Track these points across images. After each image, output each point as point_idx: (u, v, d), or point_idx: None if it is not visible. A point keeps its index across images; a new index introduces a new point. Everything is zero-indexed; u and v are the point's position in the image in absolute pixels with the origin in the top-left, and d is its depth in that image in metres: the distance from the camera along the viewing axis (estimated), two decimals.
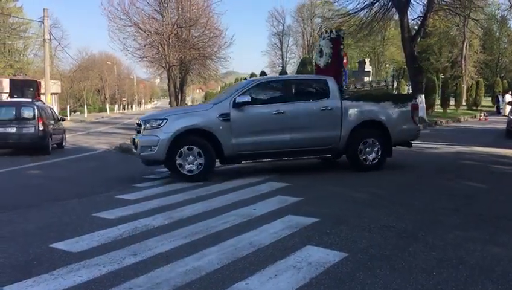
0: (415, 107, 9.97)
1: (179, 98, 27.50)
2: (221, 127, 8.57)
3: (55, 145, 16.73)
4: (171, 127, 8.43)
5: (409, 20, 24.47)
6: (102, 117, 48.67)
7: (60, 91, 49.23)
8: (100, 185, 8.79)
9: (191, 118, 8.71)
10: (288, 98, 9.15)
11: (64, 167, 12.20)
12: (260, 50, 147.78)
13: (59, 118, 18.72)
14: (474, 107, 36.26)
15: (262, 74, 26.26)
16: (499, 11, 54.95)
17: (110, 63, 71.00)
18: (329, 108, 9.16)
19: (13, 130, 14.64)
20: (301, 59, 29.47)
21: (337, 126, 9.20)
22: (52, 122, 16.54)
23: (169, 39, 23.94)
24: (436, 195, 7.27)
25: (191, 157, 8.48)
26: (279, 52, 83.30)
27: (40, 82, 22.69)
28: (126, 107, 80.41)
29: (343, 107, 9.22)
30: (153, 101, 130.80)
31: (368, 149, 9.35)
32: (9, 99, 18.17)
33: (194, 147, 8.46)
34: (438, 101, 32.97)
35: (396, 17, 24.51)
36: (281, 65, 79.55)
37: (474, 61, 56.90)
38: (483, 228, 5.36)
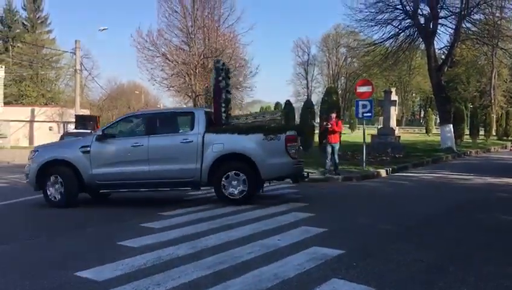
0: (290, 139, 9.12)
1: None
2: (82, 158, 9.28)
3: None
4: (40, 157, 9.58)
5: (436, 50, 24.35)
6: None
7: None
8: (125, 213, 8.85)
9: (58, 150, 9.87)
10: (152, 130, 9.47)
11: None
12: (285, 79, 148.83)
13: None
14: (505, 137, 35.41)
15: (288, 103, 26.32)
16: None
17: (137, 92, 72.53)
18: (189, 140, 9.16)
19: None
20: (326, 88, 29.49)
21: (196, 159, 9.10)
22: None
23: (195, 69, 24.42)
24: (467, 229, 7.04)
25: (57, 185, 9.35)
26: (304, 82, 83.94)
27: (99, 117, 29.62)
28: None
29: (205, 140, 9.11)
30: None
31: (233, 182, 9.01)
32: (75, 130, 22.46)
33: (58, 176, 9.30)
34: (467, 131, 32.37)
35: (423, 46, 24.43)
36: (305, 94, 79.94)
37: (504, 91, 55.98)
38: None
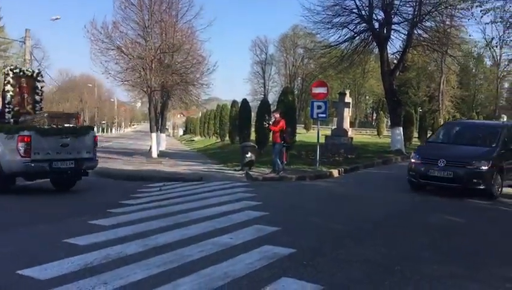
0: (22, 139, 9.71)
1: (160, 122, 27.34)
2: None
3: None
4: None
5: (389, 55, 25.01)
6: None
7: None
8: (74, 210, 8.57)
9: None
10: None
11: (37, 191, 11.89)
12: (243, 78, 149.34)
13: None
14: None
15: (244, 101, 26.34)
16: (476, 48, 56.90)
17: (90, 85, 70.57)
18: None
19: None
20: (283, 88, 29.71)
21: None
22: None
23: (151, 64, 23.89)
24: (414, 229, 7.29)
25: None
26: (261, 81, 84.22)
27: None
28: (105, 130, 79.62)
29: None
30: (133, 125, 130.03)
31: None
32: None
33: None
34: (416, 134, 33.55)
35: (377, 50, 25.01)
36: (263, 93, 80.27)
37: (451, 96, 58.34)
38: (462, 262, 5.37)
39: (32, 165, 9.78)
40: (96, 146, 11.29)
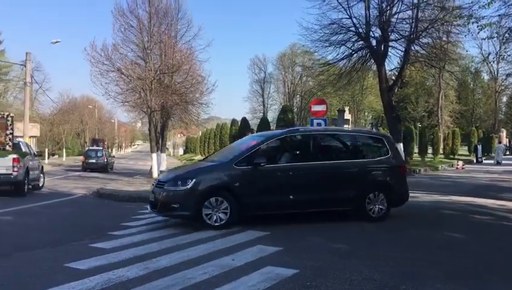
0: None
1: (160, 142, 27.37)
2: None
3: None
4: None
5: (387, 71, 25.20)
6: (81, 161, 47.94)
7: (38, 134, 48.61)
8: (74, 233, 8.52)
9: None
10: None
11: (38, 213, 11.85)
12: (242, 96, 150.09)
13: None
14: (452, 156, 36.94)
15: (244, 120, 26.40)
16: (473, 63, 57.38)
17: (91, 106, 70.82)
18: None
19: None
20: (282, 106, 29.83)
21: None
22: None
23: (151, 85, 24.05)
24: (416, 246, 7.24)
25: None
26: (260, 99, 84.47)
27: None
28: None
29: None
30: (134, 145, 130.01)
31: None
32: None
33: None
34: (416, 150, 33.57)
35: (375, 67, 25.21)
36: (262, 111, 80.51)
37: (450, 111, 58.53)
38: (465, 281, 5.31)
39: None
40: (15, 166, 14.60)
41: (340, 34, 23.22)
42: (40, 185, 17.91)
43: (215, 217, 8.32)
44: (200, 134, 57.57)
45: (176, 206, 8.31)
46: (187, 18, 27.63)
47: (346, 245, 7.23)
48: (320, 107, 15.85)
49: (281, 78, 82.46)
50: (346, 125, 21.87)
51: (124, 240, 7.57)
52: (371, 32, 23.24)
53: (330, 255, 6.49)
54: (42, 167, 18.87)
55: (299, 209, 9.13)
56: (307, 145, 9.46)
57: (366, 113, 78.39)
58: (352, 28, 23.04)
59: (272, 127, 22.70)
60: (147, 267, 5.77)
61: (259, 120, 27.90)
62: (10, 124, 15.86)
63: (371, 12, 22.73)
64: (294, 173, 8.92)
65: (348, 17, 22.77)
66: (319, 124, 15.33)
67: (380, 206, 9.34)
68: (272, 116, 69.82)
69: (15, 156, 14.96)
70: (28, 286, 5.07)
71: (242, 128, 25.55)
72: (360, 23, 22.96)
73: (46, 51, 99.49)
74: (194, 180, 8.40)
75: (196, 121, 32.68)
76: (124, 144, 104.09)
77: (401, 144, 23.33)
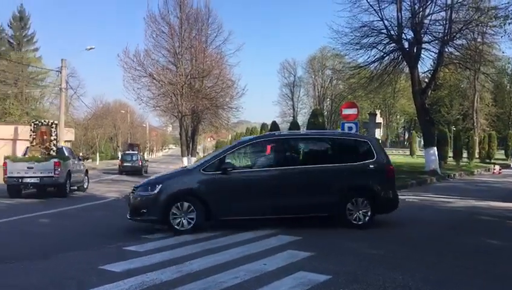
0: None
1: (190, 146, 27.68)
2: None
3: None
4: None
5: (420, 73, 24.72)
6: (114, 164, 48.95)
7: (73, 139, 49.83)
8: (108, 236, 8.68)
9: None
10: None
11: (74, 215, 12.14)
12: (272, 100, 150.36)
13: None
14: (488, 160, 35.91)
15: (274, 124, 26.36)
16: (509, 65, 55.59)
17: (123, 111, 72.22)
18: None
19: None
20: (312, 110, 29.64)
21: None
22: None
23: (182, 89, 24.39)
24: (452, 252, 7.05)
25: None
26: (290, 103, 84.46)
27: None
28: None
29: None
30: (165, 149, 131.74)
31: None
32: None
33: None
34: (450, 154, 32.77)
35: (407, 70, 24.79)
36: (291, 115, 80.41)
37: (486, 114, 56.99)
38: (503, 287, 5.14)
39: None
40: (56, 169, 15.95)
41: (372, 36, 22.95)
42: (85, 186, 19.47)
43: (182, 222, 8.44)
44: (230, 138, 57.88)
45: (144, 211, 8.52)
46: (217, 23, 27.90)
47: (379, 250, 7.11)
48: (352, 111, 15.68)
49: (310, 81, 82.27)
50: (354, 127, 21.53)
51: (157, 243, 7.65)
52: (403, 34, 22.87)
53: (363, 261, 6.39)
54: (87, 170, 20.45)
55: (272, 215, 8.94)
56: (281, 150, 9.33)
57: (398, 116, 77.26)
58: (384, 30, 22.74)
59: (301, 130, 22.59)
60: (179, 270, 5.82)
61: (289, 124, 27.83)
62: (54, 131, 17.53)
63: (403, 14, 22.37)
64: (266, 178, 8.88)
65: (379, 19, 22.51)
66: (350, 128, 15.16)
67: (363, 213, 8.90)
68: (301, 120, 69.59)
69: (56, 160, 16.32)
70: (65, 287, 5.19)
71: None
72: (392, 25, 22.64)
73: (80, 57, 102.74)
74: (161, 185, 8.58)
75: (226, 125, 32.90)
76: (155, 148, 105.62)
77: (435, 148, 22.84)
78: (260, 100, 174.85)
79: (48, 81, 56.11)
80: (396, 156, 39.04)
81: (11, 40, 58.03)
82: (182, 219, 8.44)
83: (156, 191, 8.50)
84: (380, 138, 21.82)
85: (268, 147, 9.54)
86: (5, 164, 16.07)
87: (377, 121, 21.55)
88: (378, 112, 23.43)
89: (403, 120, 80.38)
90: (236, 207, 8.72)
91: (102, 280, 5.40)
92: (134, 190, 9.00)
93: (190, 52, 25.89)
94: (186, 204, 8.45)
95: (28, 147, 17.52)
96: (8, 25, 58.17)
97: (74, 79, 51.71)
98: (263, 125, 32.05)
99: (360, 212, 8.90)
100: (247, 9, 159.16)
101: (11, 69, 50.86)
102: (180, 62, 25.67)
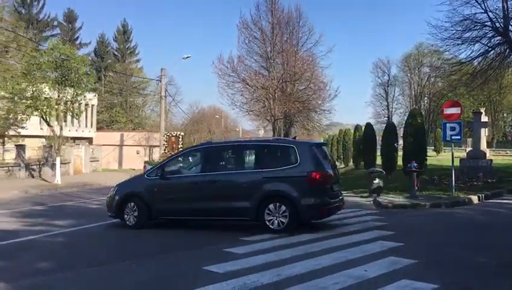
0: None
1: None
2: None
3: None
4: None
5: None
6: None
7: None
8: (209, 237, 9.00)
9: None
10: None
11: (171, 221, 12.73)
12: (364, 101, 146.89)
13: None
14: None
15: (368, 125, 25.70)
16: None
17: (218, 116, 74.71)
18: None
19: None
20: (410, 110, 28.37)
21: None
22: None
23: (274, 93, 24.71)
24: None
25: None
26: (384, 103, 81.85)
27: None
28: None
29: None
30: None
31: None
32: None
33: None
34: None
35: None
36: (386, 116, 77.85)
37: None
38: None
39: None
40: None
41: (474, 30, 21.41)
42: None
43: (129, 219, 10.00)
44: (322, 140, 57.35)
45: (109, 209, 10.43)
46: (308, 26, 27.92)
47: (490, 259, 6.59)
48: (454, 110, 14.67)
49: (406, 80, 79.18)
50: (458, 127, 20.10)
51: (255, 246, 7.78)
52: (510, 26, 21.10)
53: (472, 270, 5.98)
54: None
55: (200, 217, 9.80)
56: (212, 158, 10.13)
57: (505, 115, 71.48)
58: (488, 23, 21.11)
59: (397, 132, 21.78)
60: (279, 273, 5.86)
61: (383, 125, 26.94)
62: (181, 140, 22.65)
63: (509, 5, 20.66)
64: (196, 183, 9.67)
65: (482, 11, 20.94)
66: (452, 129, 14.26)
67: (281, 219, 8.87)
68: (396, 120, 67.25)
69: None
70: (172, 286, 5.45)
71: (366, 134, 24.86)
72: (497, 17, 20.95)
73: (177, 65, 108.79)
74: (117, 188, 10.54)
75: (318, 128, 32.72)
76: None
77: None
78: (351, 101, 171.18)
79: (148, 90, 59.99)
80: (505, 157, 36.04)
81: (116, 53, 62.81)
82: (129, 216, 10.02)
83: (113, 193, 10.44)
84: (484, 138, 20.31)
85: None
86: (144, 166, 20.06)
87: (482, 120, 20.18)
88: (483, 110, 21.79)
89: (510, 118, 74.19)
90: (171, 208, 9.86)
91: (207, 280, 5.59)
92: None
93: (282, 56, 26.17)
94: (132, 204, 10.01)
95: (162, 153, 21.09)
96: (113, 39, 63.08)
97: (172, 87, 54.59)
98: (357, 127, 31.23)
99: (279, 218, 8.93)
100: (336, 10, 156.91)
101: (116, 80, 55.12)
102: (272, 66, 26.04)
